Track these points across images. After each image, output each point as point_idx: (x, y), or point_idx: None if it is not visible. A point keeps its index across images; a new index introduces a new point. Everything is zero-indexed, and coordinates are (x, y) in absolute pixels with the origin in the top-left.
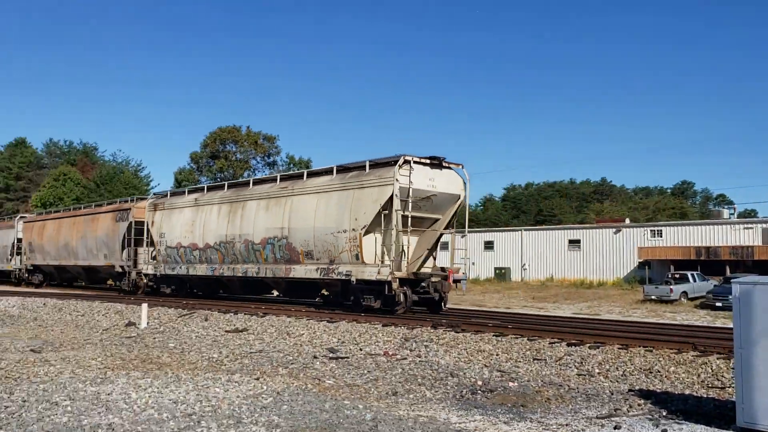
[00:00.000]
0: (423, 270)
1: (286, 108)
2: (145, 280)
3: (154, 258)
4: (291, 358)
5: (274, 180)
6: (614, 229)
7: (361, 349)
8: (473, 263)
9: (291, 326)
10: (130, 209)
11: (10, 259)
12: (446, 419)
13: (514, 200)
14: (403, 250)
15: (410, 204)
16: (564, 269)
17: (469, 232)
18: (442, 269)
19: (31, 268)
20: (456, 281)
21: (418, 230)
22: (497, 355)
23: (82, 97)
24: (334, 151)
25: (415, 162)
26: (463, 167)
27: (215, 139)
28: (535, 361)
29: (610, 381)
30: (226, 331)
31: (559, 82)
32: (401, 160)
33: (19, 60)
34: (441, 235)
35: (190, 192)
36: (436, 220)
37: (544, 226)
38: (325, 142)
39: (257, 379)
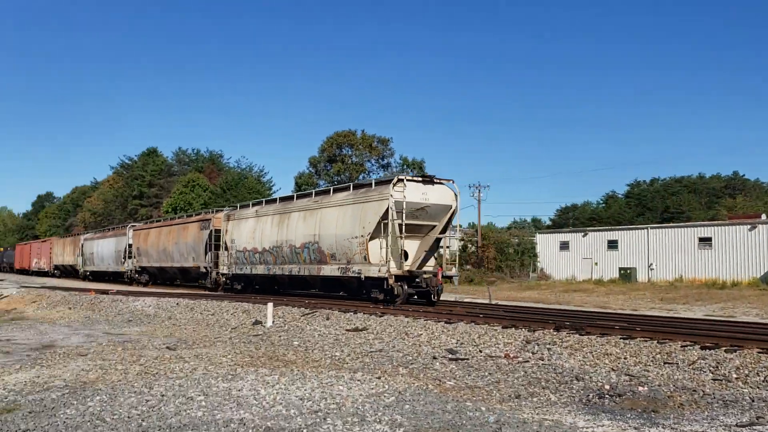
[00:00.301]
0: (425, 268)
1: (400, 111)
2: (223, 279)
3: (227, 260)
4: (410, 358)
5: (310, 195)
6: (749, 226)
7: (480, 351)
8: (596, 263)
9: (409, 326)
10: (210, 219)
11: (123, 262)
12: (572, 423)
13: (638, 197)
14: (403, 251)
15: (404, 215)
16: (694, 269)
17: (590, 230)
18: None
19: (139, 269)
20: (448, 277)
21: (418, 235)
22: (625, 358)
23: (208, 107)
24: (448, 150)
25: (408, 180)
26: (453, 182)
27: (332, 144)
28: (666, 365)
29: (750, 387)
30: (347, 330)
31: (686, 65)
32: (395, 179)
33: (151, 77)
34: (438, 239)
35: (253, 205)
36: (434, 226)
37: (672, 224)
38: (438, 142)
39: (379, 378)
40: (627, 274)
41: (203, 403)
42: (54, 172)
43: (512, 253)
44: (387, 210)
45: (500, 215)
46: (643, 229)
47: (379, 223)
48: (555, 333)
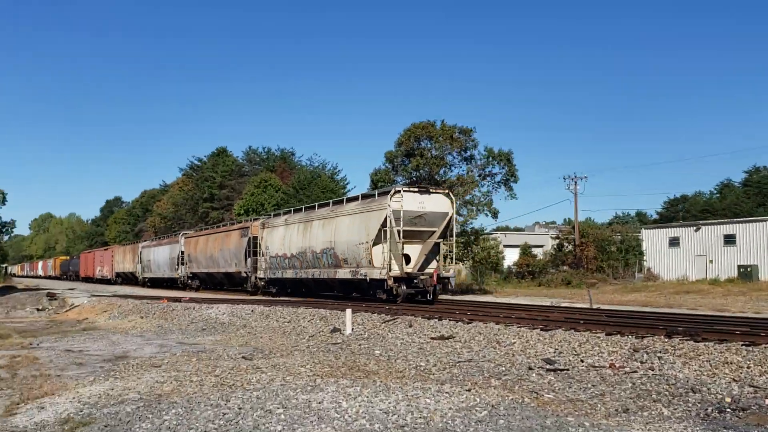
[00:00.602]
0: (427, 270)
1: (483, 100)
2: (261, 283)
3: (263, 265)
4: (503, 368)
5: (328, 205)
6: None
7: (582, 361)
8: (710, 261)
9: (500, 334)
10: (249, 227)
11: (177, 269)
12: None
13: (758, 185)
14: (404, 255)
15: (401, 222)
16: None
17: (704, 224)
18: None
19: (191, 275)
20: (444, 279)
21: (418, 240)
22: (748, 367)
23: (278, 105)
24: (536, 140)
25: (405, 191)
26: (449, 192)
27: (409, 137)
28: None
29: None
30: (432, 338)
31: None
32: (392, 191)
33: (219, 76)
34: (437, 243)
35: (284, 214)
36: (432, 232)
37: None
38: (526, 132)
39: (469, 390)
40: (747, 273)
41: (282, 417)
42: (123, 177)
43: (614, 252)
44: (386, 218)
45: (600, 209)
46: (764, 221)
47: (380, 230)
48: (666, 340)
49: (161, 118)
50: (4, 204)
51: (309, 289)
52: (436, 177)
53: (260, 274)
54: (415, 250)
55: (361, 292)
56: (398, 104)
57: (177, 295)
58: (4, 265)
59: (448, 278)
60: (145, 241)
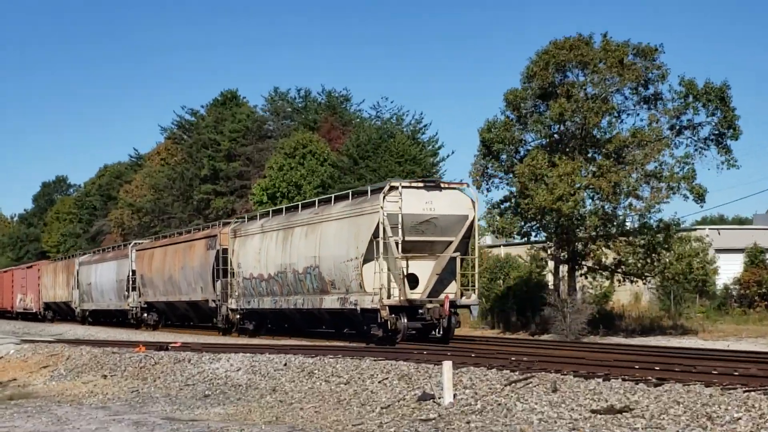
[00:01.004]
0: (442, 296)
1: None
2: (236, 317)
3: (236, 290)
4: None
5: (314, 204)
6: None
7: None
8: None
9: (711, 402)
10: (217, 236)
11: (127, 296)
12: None
13: None
14: (407, 275)
15: (401, 230)
16: None
17: None
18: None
19: (145, 305)
20: (457, 308)
21: (428, 255)
22: None
23: (321, 29)
24: (762, 68)
25: (404, 187)
26: (468, 186)
27: (547, 64)
28: None
29: None
30: (593, 412)
31: None
32: (387, 187)
33: None
34: (454, 258)
35: (260, 217)
36: (448, 243)
37: None
38: (744, 50)
39: None
40: None
41: None
42: (68, 148)
43: None
44: (378, 225)
45: None
46: None
47: (371, 241)
48: None
49: (130, 54)
50: None
51: (293, 324)
52: (594, 132)
53: (232, 303)
54: (424, 269)
55: (355, 328)
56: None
57: (151, 339)
58: None
59: (466, 307)
60: (84, 254)
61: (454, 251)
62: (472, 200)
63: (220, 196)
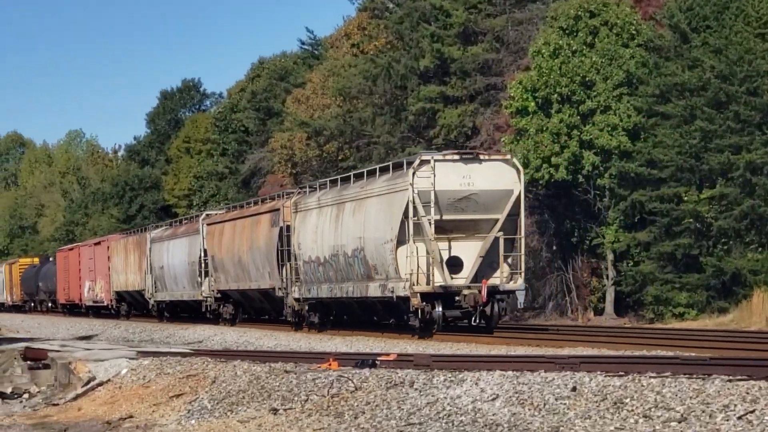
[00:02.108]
0: (492, 281)
1: None
2: (305, 307)
3: (298, 275)
4: None
5: (362, 176)
6: None
7: None
8: None
9: None
10: (279, 210)
11: (200, 283)
12: None
13: None
14: (451, 257)
15: (432, 208)
16: None
17: None
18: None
19: (219, 295)
20: (501, 294)
21: (471, 235)
22: None
23: None
24: None
25: (437, 160)
26: (512, 156)
27: None
28: None
29: None
30: None
31: None
32: (417, 161)
33: None
34: (498, 240)
35: (320, 187)
36: (495, 221)
37: None
38: None
39: None
40: None
41: None
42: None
43: None
44: (407, 204)
45: None
46: None
47: (402, 221)
48: None
49: None
50: None
51: (354, 315)
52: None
53: (295, 292)
54: (469, 251)
55: (397, 318)
56: None
57: (342, 350)
58: None
59: (509, 294)
60: (158, 227)
61: (499, 231)
62: (517, 171)
63: (452, 104)
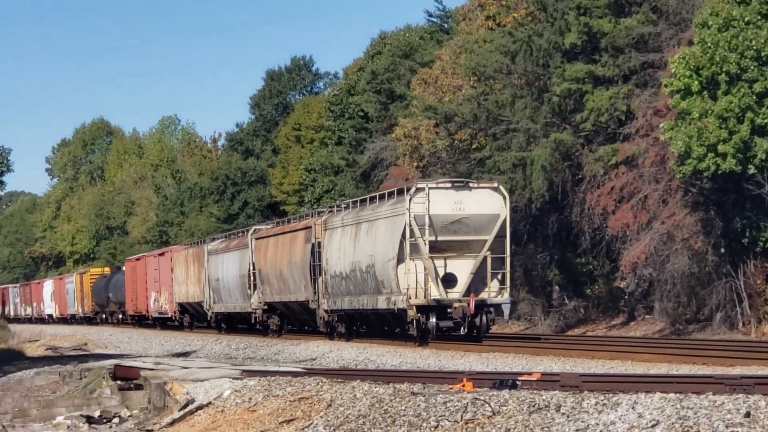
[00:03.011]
0: (483, 295)
1: None
2: (334, 318)
3: (327, 289)
4: None
5: (376, 199)
6: None
7: None
8: None
9: None
10: (312, 227)
11: (250, 295)
12: None
13: None
14: (447, 274)
15: (426, 230)
16: None
17: None
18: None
19: (266, 307)
20: (489, 307)
21: (465, 254)
22: None
23: None
24: None
25: (431, 188)
26: (498, 185)
27: None
28: None
29: None
30: None
31: None
32: (413, 189)
33: None
34: (486, 258)
35: (344, 208)
36: (483, 241)
37: None
38: None
39: None
40: None
41: None
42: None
43: None
44: (404, 227)
45: None
46: None
47: (401, 242)
48: None
49: None
50: (9, 170)
51: (372, 325)
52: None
53: (324, 304)
54: (462, 268)
55: (401, 328)
56: None
57: (453, 368)
58: None
59: (494, 307)
60: (214, 240)
61: (488, 250)
62: (503, 198)
63: (602, 85)
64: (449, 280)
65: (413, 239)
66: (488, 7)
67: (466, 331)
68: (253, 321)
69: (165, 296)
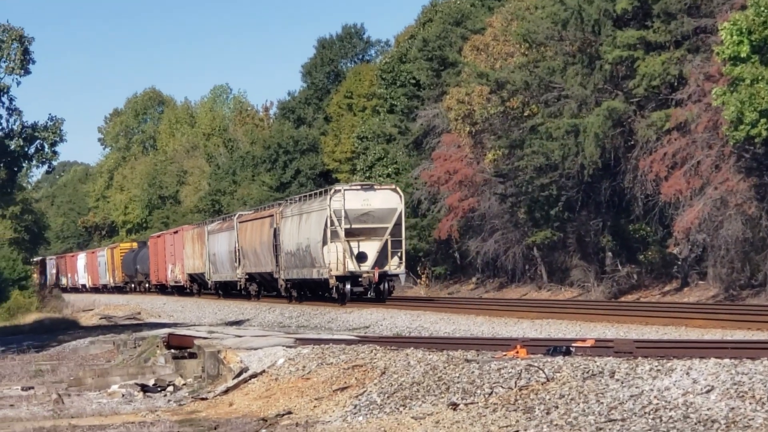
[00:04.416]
0: (386, 268)
1: None
2: (289, 285)
3: (282, 263)
4: None
5: (310, 196)
6: None
7: None
8: None
9: None
10: (273, 215)
11: (237, 266)
12: None
13: None
14: (360, 252)
15: (342, 221)
16: None
17: None
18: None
19: (247, 276)
20: (390, 276)
21: (373, 238)
22: None
23: None
24: None
25: (346, 190)
26: (396, 187)
27: None
28: None
29: None
30: None
31: None
32: (332, 190)
33: None
34: (387, 240)
35: (293, 202)
36: (385, 228)
37: None
38: None
39: None
40: None
41: None
42: None
43: None
44: (326, 218)
45: None
46: None
47: (325, 229)
48: None
49: None
50: (62, 140)
51: (312, 291)
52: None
53: (282, 275)
54: (371, 248)
55: (328, 292)
56: None
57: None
58: (35, 261)
59: (393, 276)
60: (213, 222)
61: (389, 234)
62: (399, 197)
63: (654, 51)
64: (361, 257)
65: (333, 227)
66: None
67: (373, 294)
68: (238, 288)
69: (179, 268)
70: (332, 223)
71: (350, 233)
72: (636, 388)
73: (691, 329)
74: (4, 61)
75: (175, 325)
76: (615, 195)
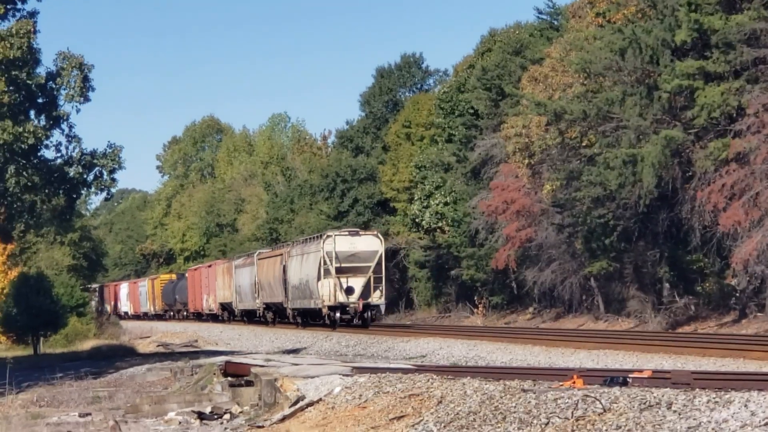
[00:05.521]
0: (369, 300)
1: None
2: (296, 313)
3: (289, 294)
4: None
5: (312, 239)
6: None
7: None
8: None
9: None
10: (283, 254)
11: (256, 296)
12: None
13: None
14: (348, 287)
15: (333, 261)
16: None
17: None
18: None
19: (264, 306)
20: (372, 307)
21: (360, 275)
22: None
23: None
24: None
25: (337, 235)
26: (377, 233)
27: None
28: None
29: None
30: None
31: None
32: (324, 236)
33: None
34: (370, 277)
35: (297, 243)
36: (369, 267)
37: None
38: None
39: None
40: None
41: None
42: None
43: None
44: (320, 258)
45: None
46: None
47: (319, 267)
48: None
49: None
50: (121, 168)
51: (312, 319)
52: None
53: (290, 304)
54: (357, 283)
55: (321, 319)
56: None
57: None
58: (93, 287)
59: (375, 306)
60: (239, 257)
61: (372, 272)
62: (380, 241)
63: (713, 81)
64: (349, 291)
65: (326, 266)
66: (598, 4)
67: (359, 321)
68: (257, 315)
69: (212, 297)
70: (325, 263)
71: (340, 271)
72: (693, 419)
73: (749, 361)
74: (65, 89)
75: (231, 353)
76: (672, 226)
